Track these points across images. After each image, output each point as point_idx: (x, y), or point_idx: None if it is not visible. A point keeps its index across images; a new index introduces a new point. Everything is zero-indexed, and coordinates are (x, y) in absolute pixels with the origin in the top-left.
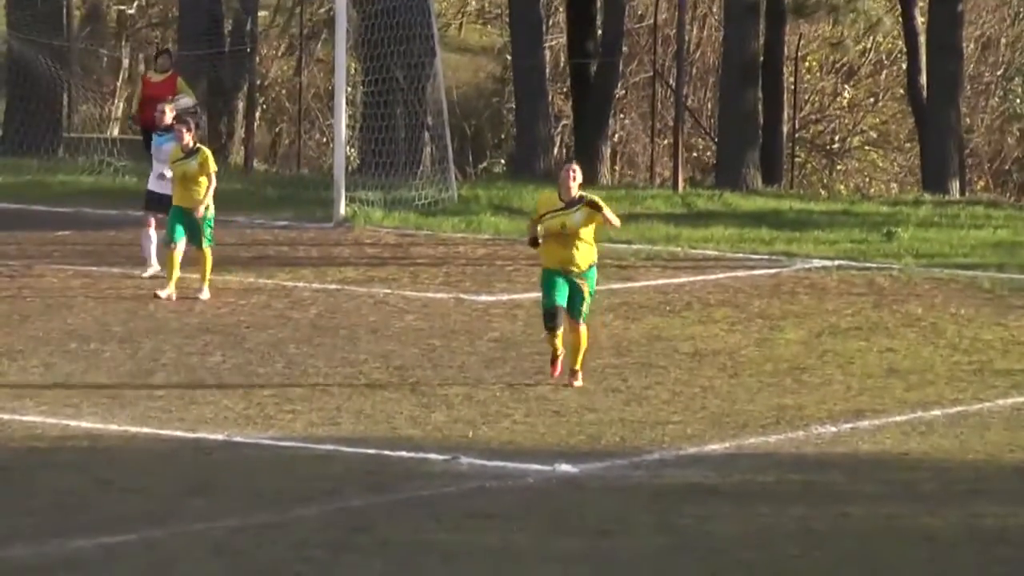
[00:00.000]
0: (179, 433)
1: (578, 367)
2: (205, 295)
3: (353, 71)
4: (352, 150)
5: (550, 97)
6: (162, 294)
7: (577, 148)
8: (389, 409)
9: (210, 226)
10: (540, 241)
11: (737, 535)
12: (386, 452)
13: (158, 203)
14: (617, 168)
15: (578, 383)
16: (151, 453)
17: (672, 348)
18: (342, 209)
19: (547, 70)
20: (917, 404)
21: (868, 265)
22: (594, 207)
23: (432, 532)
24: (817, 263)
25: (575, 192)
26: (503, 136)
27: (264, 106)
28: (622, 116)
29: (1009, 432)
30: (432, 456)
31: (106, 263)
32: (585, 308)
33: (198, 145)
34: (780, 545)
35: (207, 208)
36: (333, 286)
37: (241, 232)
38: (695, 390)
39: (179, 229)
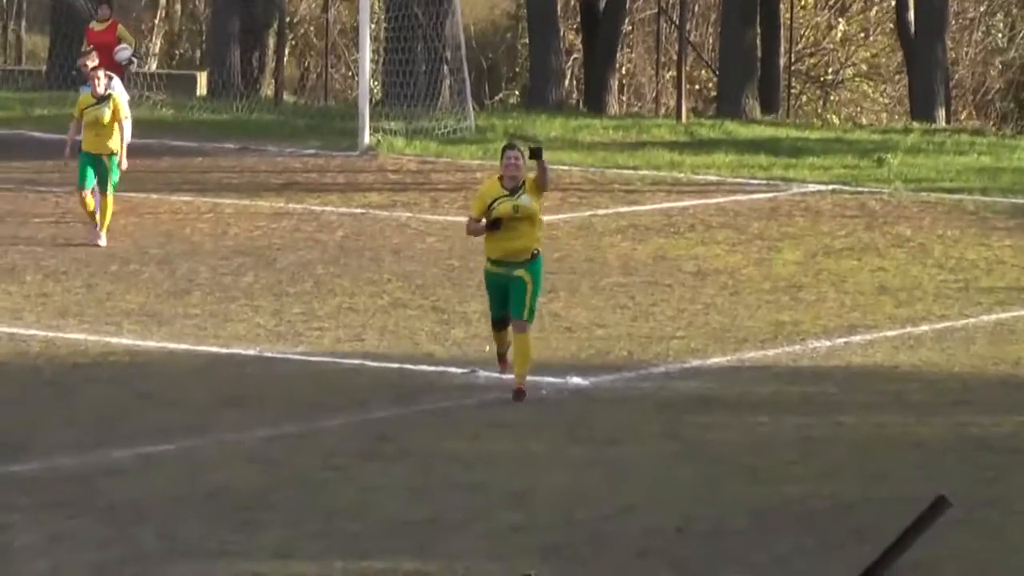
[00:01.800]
0: (214, 349)
1: (523, 384)
2: (103, 241)
3: (376, 8)
4: (376, 83)
5: (561, 32)
6: (101, 242)
7: (587, 80)
8: (411, 326)
9: (117, 172)
10: (493, 227)
11: (738, 442)
12: (409, 366)
13: None
14: (624, 99)
15: (524, 390)
16: (188, 368)
17: (676, 267)
18: (367, 138)
19: (558, 6)
20: (906, 320)
21: (860, 189)
22: (536, 156)
23: (452, 440)
24: (812, 187)
25: (522, 177)
26: (517, 69)
27: (293, 42)
28: (629, 50)
29: (993, 346)
30: (452, 370)
31: (144, 189)
32: (530, 302)
33: (109, 92)
34: (778, 452)
35: (117, 155)
36: (358, 210)
37: (272, 160)
38: (698, 307)
39: (90, 175)
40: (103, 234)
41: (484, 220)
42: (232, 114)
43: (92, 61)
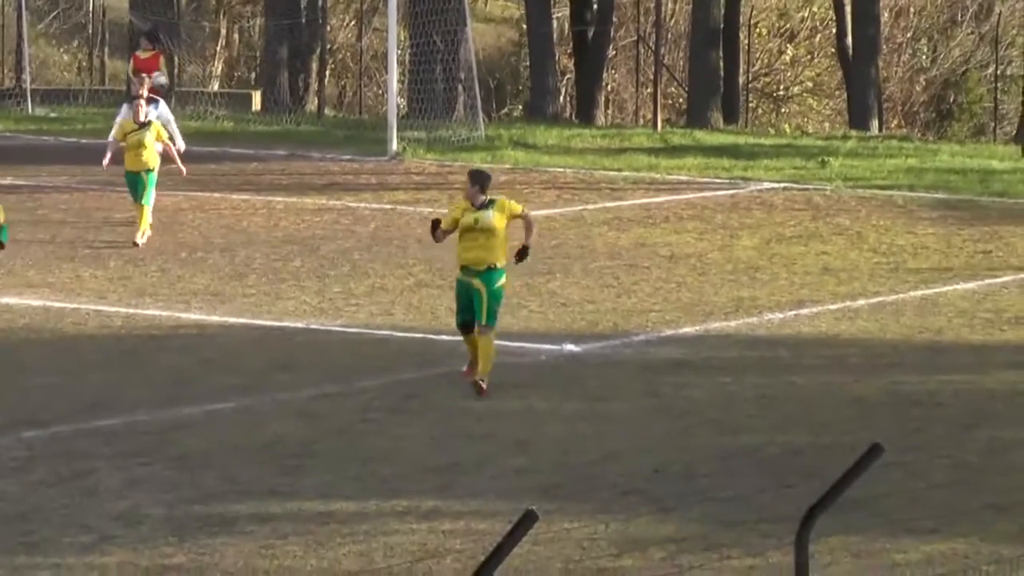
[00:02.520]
0: (267, 322)
1: (484, 376)
2: (141, 241)
3: (402, 37)
4: (401, 99)
5: (557, 57)
6: (140, 241)
7: (578, 96)
8: (433, 303)
9: (153, 185)
10: (443, 233)
11: (706, 399)
12: (431, 336)
13: None
14: (609, 112)
15: (484, 387)
16: (245, 338)
17: (653, 252)
18: (394, 145)
19: (554, 35)
20: (846, 295)
21: (807, 187)
22: (515, 213)
23: (467, 398)
24: (767, 185)
25: (483, 199)
26: (520, 87)
27: (333, 65)
28: (613, 71)
29: (919, 317)
30: None
31: (208, 189)
32: (488, 309)
33: (149, 119)
34: (739, 406)
35: (154, 171)
36: (388, 206)
37: (315, 164)
38: (672, 285)
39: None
40: (139, 235)
41: (443, 228)
42: (282, 126)
43: (144, 88)
